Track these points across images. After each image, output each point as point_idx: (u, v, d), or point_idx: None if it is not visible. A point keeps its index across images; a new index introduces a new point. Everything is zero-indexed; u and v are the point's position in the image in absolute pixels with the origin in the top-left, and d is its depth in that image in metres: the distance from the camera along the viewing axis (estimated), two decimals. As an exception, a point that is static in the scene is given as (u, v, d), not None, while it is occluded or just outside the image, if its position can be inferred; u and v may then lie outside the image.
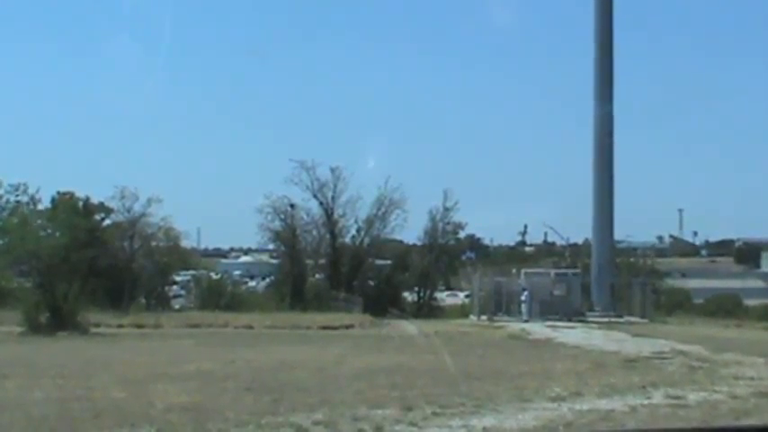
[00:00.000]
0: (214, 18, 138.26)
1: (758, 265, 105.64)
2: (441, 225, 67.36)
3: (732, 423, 14.89)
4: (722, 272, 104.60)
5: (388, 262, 69.52)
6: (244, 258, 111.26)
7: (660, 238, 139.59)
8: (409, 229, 71.03)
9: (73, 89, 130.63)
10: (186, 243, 70.85)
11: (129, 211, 62.96)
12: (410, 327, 44.70)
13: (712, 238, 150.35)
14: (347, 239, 67.03)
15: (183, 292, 70.54)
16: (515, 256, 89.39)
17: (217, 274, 74.95)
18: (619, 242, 64.91)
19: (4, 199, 58.33)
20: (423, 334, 39.20)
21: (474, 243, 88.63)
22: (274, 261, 73.32)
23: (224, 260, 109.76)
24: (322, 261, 67.19)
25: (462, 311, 58.74)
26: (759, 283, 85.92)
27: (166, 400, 17.15)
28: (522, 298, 48.28)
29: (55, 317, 39.22)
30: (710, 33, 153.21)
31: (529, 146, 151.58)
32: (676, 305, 60.20)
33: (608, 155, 54.44)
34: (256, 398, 17.70)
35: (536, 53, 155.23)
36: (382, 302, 61.11)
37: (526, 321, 45.25)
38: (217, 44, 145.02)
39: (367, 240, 66.37)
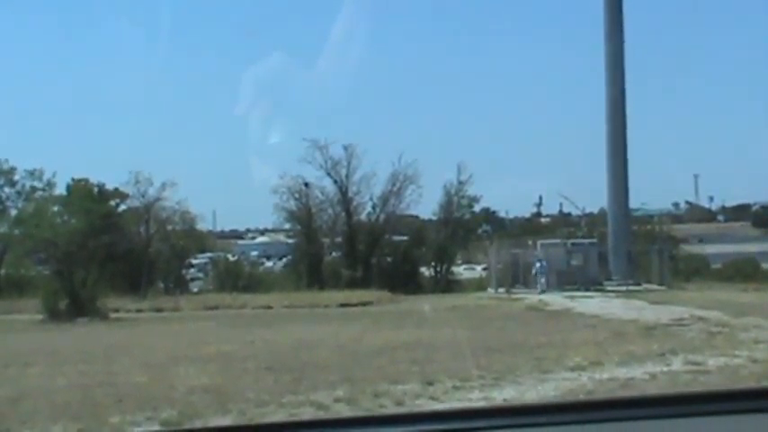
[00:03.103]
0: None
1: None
2: (456, 199, 67.39)
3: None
4: (739, 236, 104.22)
5: (405, 238, 69.50)
6: (260, 239, 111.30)
7: (676, 205, 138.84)
8: (425, 204, 71.28)
9: (83, 75, 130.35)
10: (202, 226, 71.12)
11: (143, 195, 63.12)
12: (427, 303, 44.73)
13: (728, 203, 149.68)
14: (363, 217, 67.07)
15: (200, 275, 70.82)
16: (531, 227, 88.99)
17: (234, 255, 75.12)
18: (634, 210, 64.71)
19: (19, 185, 58.69)
20: (441, 308, 39.24)
21: (489, 216, 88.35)
22: (290, 241, 73.35)
23: (240, 241, 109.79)
24: (338, 239, 67.26)
25: (480, 285, 58.78)
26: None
27: (187, 383, 17.24)
28: (535, 269, 48.21)
29: (74, 303, 39.44)
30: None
31: (541, 116, 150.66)
32: (694, 271, 60.03)
33: (621, 122, 54.17)
34: (277, 377, 17.77)
35: (546, 21, 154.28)
36: (400, 278, 61.19)
37: (543, 293, 45.13)
38: (222, 23, 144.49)
39: (382, 217, 66.36)
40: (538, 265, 47.95)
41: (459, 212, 68.25)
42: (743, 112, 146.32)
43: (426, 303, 43.77)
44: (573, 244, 53.85)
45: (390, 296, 49.40)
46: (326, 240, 67.97)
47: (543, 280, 47.37)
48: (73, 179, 62.42)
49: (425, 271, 68.14)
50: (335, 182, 65.06)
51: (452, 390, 15.76)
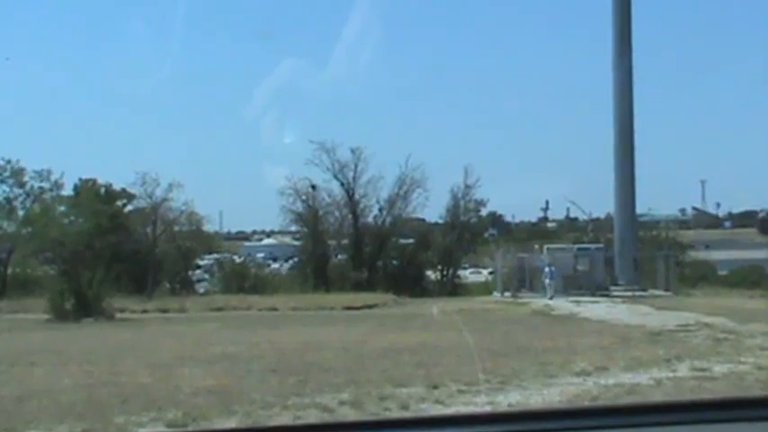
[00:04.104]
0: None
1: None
2: (462, 203, 67.49)
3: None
4: (746, 243, 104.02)
5: (411, 241, 69.55)
6: (267, 241, 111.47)
7: (683, 211, 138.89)
8: (431, 208, 71.21)
9: (91, 76, 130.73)
10: (209, 227, 71.23)
11: (150, 196, 63.23)
12: (433, 306, 44.70)
13: (735, 209, 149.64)
14: (369, 219, 67.17)
15: (206, 276, 70.90)
16: (537, 232, 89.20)
17: (240, 257, 75.24)
18: (641, 215, 64.62)
19: (28, 185, 58.78)
20: (447, 312, 39.21)
21: (496, 220, 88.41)
22: (297, 243, 73.51)
23: (247, 243, 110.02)
24: (344, 241, 67.34)
25: (486, 288, 58.77)
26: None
27: (193, 384, 17.23)
28: (545, 274, 47.88)
29: (80, 303, 39.44)
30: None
31: (549, 120, 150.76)
32: (700, 277, 59.96)
33: (629, 127, 54.12)
34: (282, 379, 17.76)
35: (555, 28, 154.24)
36: (406, 281, 61.24)
37: (552, 298, 44.79)
38: (232, 26, 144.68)
39: (389, 220, 66.45)
40: (547, 270, 47.60)
41: (465, 216, 68.31)
42: (750, 118, 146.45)
43: (432, 306, 43.75)
44: (579, 249, 53.77)
45: (396, 299, 49.41)
46: (333, 243, 68.08)
47: (553, 285, 46.91)
48: (80, 179, 62.64)
49: (431, 274, 68.25)
50: (342, 184, 65.26)
51: (457, 393, 15.74)
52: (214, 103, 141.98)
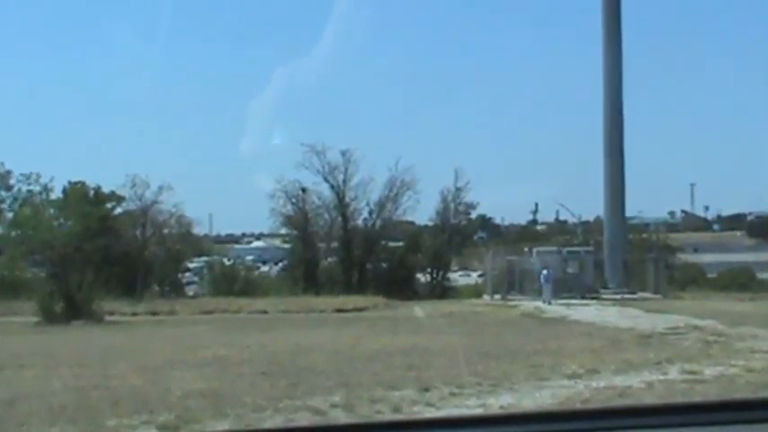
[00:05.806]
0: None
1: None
2: (452, 205, 67.58)
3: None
4: (735, 246, 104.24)
5: (401, 243, 69.57)
6: (256, 243, 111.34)
7: (672, 214, 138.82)
8: (421, 211, 71.27)
9: (79, 78, 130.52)
10: (198, 230, 71.30)
11: (140, 198, 63.26)
12: (423, 309, 44.71)
13: (724, 213, 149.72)
14: (359, 222, 67.20)
15: (196, 279, 70.84)
16: (527, 234, 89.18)
17: (230, 259, 75.17)
18: (630, 218, 64.76)
19: (15, 188, 58.54)
20: (437, 315, 39.23)
21: (486, 222, 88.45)
22: (287, 245, 73.48)
23: (236, 246, 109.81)
24: (334, 244, 67.29)
25: (476, 291, 58.80)
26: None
27: (184, 387, 17.20)
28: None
29: (69, 306, 39.40)
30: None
31: (539, 123, 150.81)
32: (690, 280, 60.11)
33: (618, 130, 54.23)
34: (273, 382, 17.74)
35: (545, 30, 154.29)
36: (395, 284, 61.23)
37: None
38: (220, 28, 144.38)
39: (379, 222, 66.47)
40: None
41: (455, 219, 68.36)
42: (740, 122, 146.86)
43: (422, 309, 43.77)
44: (569, 252, 53.84)
45: (386, 302, 49.40)
46: (323, 245, 68.04)
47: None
48: (69, 182, 62.46)
49: (421, 277, 68.24)
50: (332, 187, 65.26)
51: (449, 396, 15.74)
52: (204, 106, 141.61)
